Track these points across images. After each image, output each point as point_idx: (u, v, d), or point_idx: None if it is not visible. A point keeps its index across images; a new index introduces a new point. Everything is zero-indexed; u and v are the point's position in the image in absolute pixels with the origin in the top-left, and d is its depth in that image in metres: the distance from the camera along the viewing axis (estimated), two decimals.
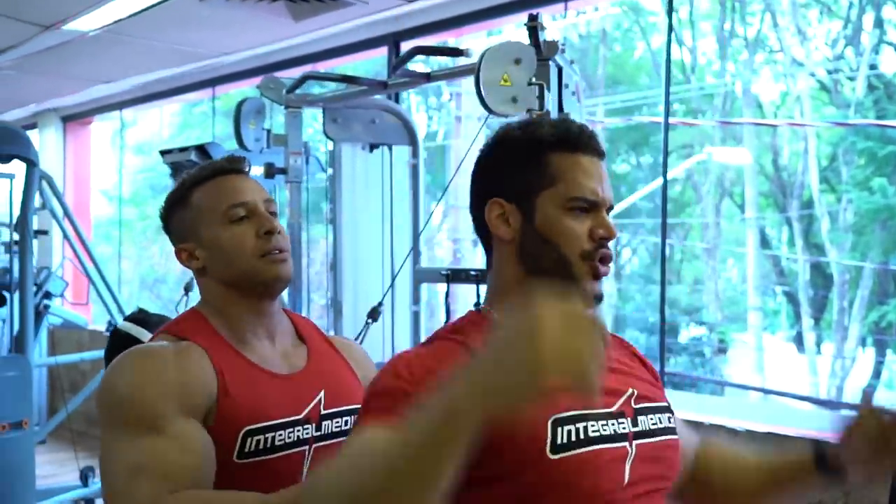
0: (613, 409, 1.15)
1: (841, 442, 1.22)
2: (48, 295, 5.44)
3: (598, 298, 1.16)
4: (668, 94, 3.85)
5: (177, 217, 1.48)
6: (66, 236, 4.89)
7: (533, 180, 1.17)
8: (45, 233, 4.87)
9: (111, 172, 10.94)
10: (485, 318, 1.19)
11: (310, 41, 4.75)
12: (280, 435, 1.34)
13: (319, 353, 1.50)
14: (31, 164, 4.35)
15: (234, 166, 1.47)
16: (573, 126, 1.21)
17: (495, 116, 2.34)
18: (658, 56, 13.71)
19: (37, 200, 4.99)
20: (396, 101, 4.60)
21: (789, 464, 1.32)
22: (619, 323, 14.20)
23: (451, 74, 2.73)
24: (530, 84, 2.31)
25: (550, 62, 2.39)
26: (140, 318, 2.18)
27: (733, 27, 14.16)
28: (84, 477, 4.92)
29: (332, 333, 1.99)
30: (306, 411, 1.39)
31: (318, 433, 1.40)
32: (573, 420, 1.08)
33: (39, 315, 5.42)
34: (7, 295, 4.43)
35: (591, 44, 14.46)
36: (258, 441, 1.32)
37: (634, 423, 1.16)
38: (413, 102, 11.59)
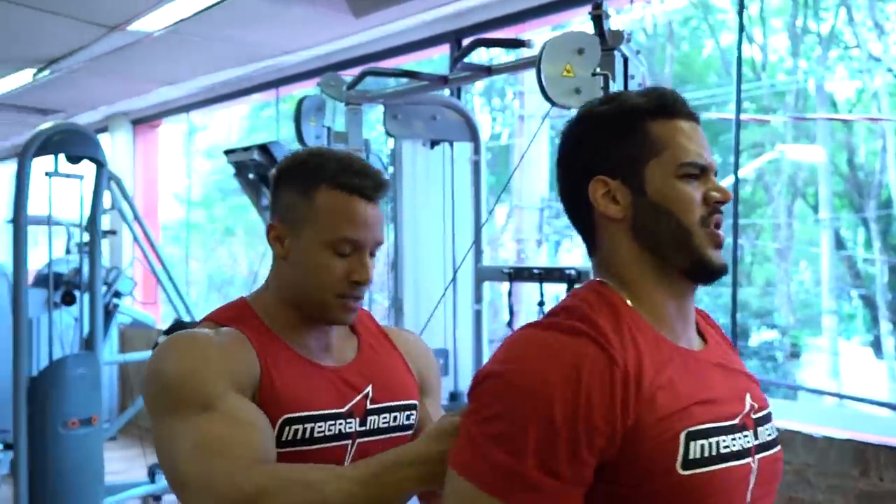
0: (737, 420, 1.05)
1: None
2: (118, 294, 5.53)
3: (723, 270, 1.08)
4: (739, 90, 3.73)
5: (292, 198, 1.35)
6: (134, 237, 4.96)
7: (636, 151, 1.09)
8: (113, 233, 4.95)
9: (181, 176, 11.14)
10: (612, 296, 1.08)
11: (371, 40, 4.73)
12: (320, 427, 1.30)
13: (371, 345, 1.44)
14: (100, 165, 4.43)
15: (373, 194, 1.34)
16: (666, 92, 1.13)
17: (557, 109, 2.27)
18: (728, 54, 13.43)
19: (106, 201, 5.10)
20: (458, 99, 4.56)
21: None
22: None
23: (513, 67, 2.67)
24: (594, 75, 2.23)
25: (615, 52, 2.32)
26: (180, 329, 2.18)
27: (805, 23, 13.77)
28: (151, 473, 4.98)
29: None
30: (350, 405, 1.34)
31: (363, 428, 1.35)
32: (707, 434, 1.00)
33: (109, 314, 5.51)
34: (77, 294, 4.51)
35: (658, 43, 14.24)
36: (297, 431, 1.27)
37: (756, 436, 1.07)
38: (476, 104, 11.54)
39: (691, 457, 0.97)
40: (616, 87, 2.33)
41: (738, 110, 3.70)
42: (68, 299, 4.51)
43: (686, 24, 14.91)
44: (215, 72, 5.55)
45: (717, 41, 14.56)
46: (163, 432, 1.22)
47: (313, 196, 1.31)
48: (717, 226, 1.09)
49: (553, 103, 2.21)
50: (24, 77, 5.65)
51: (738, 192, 3.62)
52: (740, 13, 4.36)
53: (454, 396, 3.22)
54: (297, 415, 1.28)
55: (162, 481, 4.93)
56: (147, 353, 5.48)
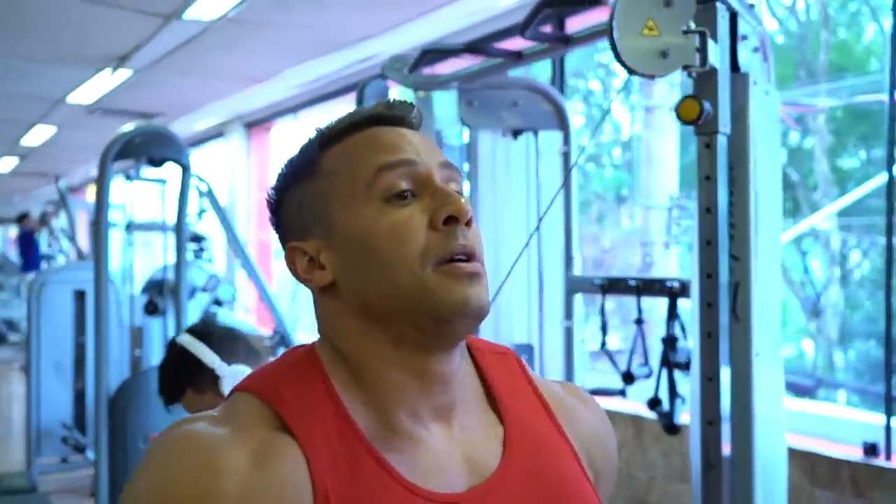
0: None
1: None
2: (218, 302, 5.36)
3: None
4: (893, 75, 3.12)
5: (295, 198, 0.85)
6: (230, 242, 4.77)
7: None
8: (201, 238, 4.77)
9: None
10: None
11: (466, 27, 4.31)
12: None
13: (525, 435, 0.84)
14: (185, 168, 4.23)
15: (400, 112, 0.85)
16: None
17: (640, 78, 1.78)
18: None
19: (200, 205, 4.94)
20: (561, 89, 4.08)
21: None
22: (847, 334, 12.75)
23: (595, 34, 2.18)
24: (686, 33, 1.72)
25: (718, 4, 1.79)
26: (203, 330, 1.86)
27: None
28: None
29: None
30: None
31: None
32: None
33: None
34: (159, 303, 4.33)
35: (812, 30, 13.17)
36: None
37: None
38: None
39: None
40: (719, 49, 1.81)
41: (892, 96, 3.08)
42: (151, 308, 4.34)
43: (843, 9, 13.74)
44: (295, 65, 5.27)
45: (881, 25, 13.32)
46: None
47: (321, 166, 0.83)
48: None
49: (631, 71, 1.72)
50: (108, 78, 5.59)
51: (893, 188, 2.98)
52: None
53: None
54: None
55: None
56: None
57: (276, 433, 0.73)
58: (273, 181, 0.86)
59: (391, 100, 0.85)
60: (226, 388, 1.78)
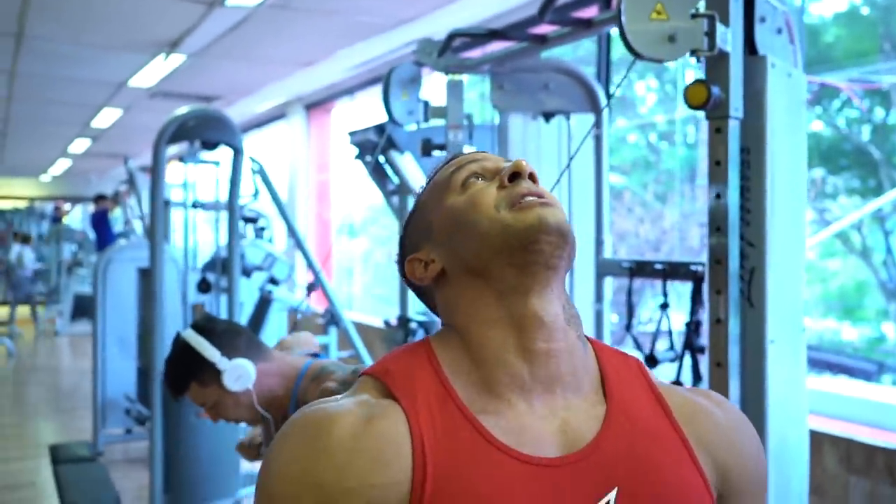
0: None
1: None
2: (274, 281, 5.48)
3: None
4: None
5: (409, 233, 1.01)
6: (287, 225, 4.86)
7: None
8: (254, 220, 4.87)
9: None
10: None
11: (515, 7, 4.30)
12: None
13: (627, 417, 0.87)
14: (237, 150, 4.32)
15: (472, 152, 1.01)
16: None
17: (648, 62, 1.77)
18: None
19: (255, 186, 5.05)
20: (607, 71, 4.04)
21: None
22: None
23: (617, 17, 2.16)
24: (694, 17, 1.71)
25: None
26: (205, 326, 1.89)
27: None
28: None
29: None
30: None
31: None
32: None
33: (266, 301, 5.50)
34: (211, 279, 4.45)
35: None
36: None
37: None
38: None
39: None
40: (730, 32, 1.78)
41: None
42: (203, 286, 4.46)
43: None
44: (339, 48, 5.30)
45: None
46: None
47: (420, 200, 1.01)
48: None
49: (638, 56, 1.71)
50: (162, 64, 5.72)
51: None
52: None
53: None
54: None
55: None
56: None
57: (382, 399, 0.84)
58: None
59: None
60: (227, 381, 1.82)
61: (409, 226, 0.98)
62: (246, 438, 2.30)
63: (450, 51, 2.75)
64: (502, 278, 0.85)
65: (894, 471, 2.66)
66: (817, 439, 2.79)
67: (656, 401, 0.89)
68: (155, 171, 4.09)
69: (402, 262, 0.98)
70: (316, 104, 7.59)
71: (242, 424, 2.24)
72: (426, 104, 2.83)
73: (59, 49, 5.47)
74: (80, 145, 11.36)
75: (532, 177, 0.88)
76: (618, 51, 4.26)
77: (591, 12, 2.45)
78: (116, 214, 10.86)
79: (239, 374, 1.88)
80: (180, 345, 1.88)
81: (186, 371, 1.89)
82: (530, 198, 0.85)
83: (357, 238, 9.22)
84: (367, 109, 7.26)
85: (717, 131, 1.78)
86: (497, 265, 0.85)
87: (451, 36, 2.56)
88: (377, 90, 7.12)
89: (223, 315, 5.03)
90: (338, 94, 7.23)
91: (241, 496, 4.27)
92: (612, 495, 0.80)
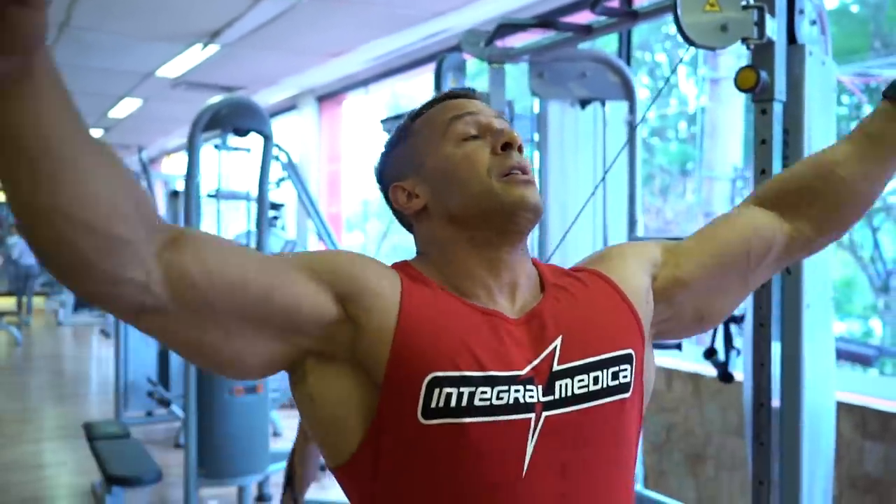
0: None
1: None
2: None
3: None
4: None
5: (394, 157, 1.16)
6: (307, 211, 5.01)
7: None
8: (279, 206, 5.01)
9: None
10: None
11: (535, 2, 4.46)
12: (484, 393, 0.96)
13: (558, 289, 1.10)
14: (267, 138, 4.47)
15: (467, 91, 1.17)
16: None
17: (704, 50, 1.94)
18: None
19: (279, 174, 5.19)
20: (627, 61, 4.21)
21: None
22: None
23: (661, 10, 2.34)
24: (745, 8, 1.88)
25: None
26: None
27: None
28: None
29: None
30: (531, 366, 1.00)
31: (549, 398, 1.00)
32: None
33: None
34: None
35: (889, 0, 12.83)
36: (450, 395, 0.95)
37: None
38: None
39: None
40: (775, 24, 1.96)
41: None
42: None
43: None
44: (372, 40, 5.45)
45: None
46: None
47: (411, 129, 1.15)
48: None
49: (693, 44, 1.88)
50: (197, 53, 5.84)
51: None
52: None
53: None
54: (450, 374, 0.96)
55: None
56: None
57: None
58: (374, 155, 1.20)
59: (459, 86, 1.20)
60: None
61: (395, 147, 1.15)
62: None
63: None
64: (479, 232, 1.05)
65: None
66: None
67: (575, 272, 1.15)
68: (191, 157, 4.23)
69: (383, 181, 1.16)
70: (328, 96, 7.72)
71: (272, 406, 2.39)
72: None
73: (99, 39, 5.58)
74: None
75: (520, 148, 1.07)
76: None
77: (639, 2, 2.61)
78: None
79: None
80: None
81: None
82: (518, 173, 1.04)
83: (353, 232, 9.36)
84: (380, 101, 7.42)
85: (763, 112, 1.96)
86: (478, 222, 1.05)
87: (500, 27, 2.73)
88: (390, 83, 7.29)
89: None
90: (351, 86, 7.36)
91: (270, 472, 4.43)
92: (557, 342, 1.03)
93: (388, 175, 1.15)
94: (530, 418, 0.97)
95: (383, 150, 1.17)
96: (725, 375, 2.47)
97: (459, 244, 1.06)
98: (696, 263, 1.16)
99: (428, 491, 0.97)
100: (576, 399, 1.01)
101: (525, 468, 0.97)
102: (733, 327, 2.50)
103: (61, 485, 4.99)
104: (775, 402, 2.00)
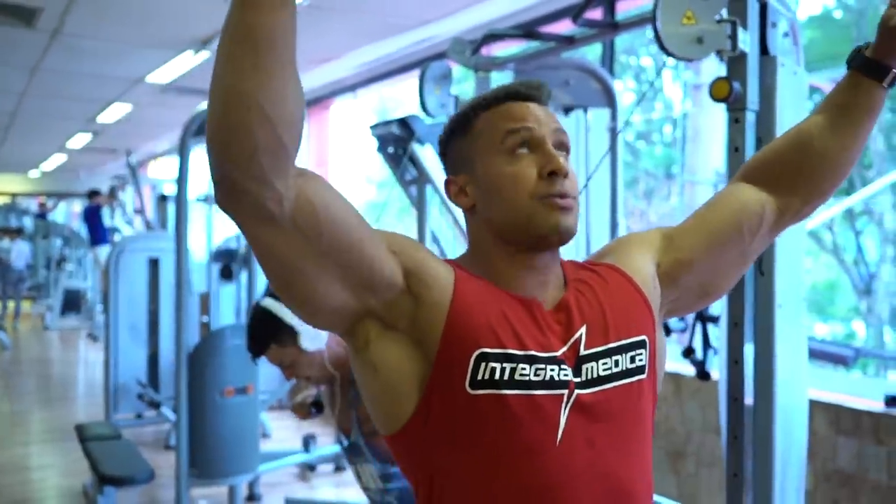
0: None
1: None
2: None
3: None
4: None
5: (456, 145, 1.25)
6: None
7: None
8: None
9: (375, 158, 11.39)
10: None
11: (519, 10, 4.55)
12: (524, 369, 1.11)
13: (579, 281, 1.24)
14: None
15: (531, 92, 1.22)
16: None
17: (680, 61, 2.03)
18: None
19: None
20: (610, 68, 4.30)
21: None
22: None
23: (641, 21, 2.43)
24: (720, 22, 1.97)
25: None
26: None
27: None
28: (306, 443, 5.09)
29: None
30: (562, 350, 1.15)
31: (578, 379, 1.14)
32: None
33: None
34: (236, 269, 4.66)
35: (871, 5, 13.01)
36: (494, 370, 1.09)
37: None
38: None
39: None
40: (748, 36, 2.05)
41: None
42: (227, 273, 4.67)
43: None
44: (362, 46, 5.52)
45: None
46: None
47: (473, 125, 1.22)
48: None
49: (671, 55, 1.97)
50: (187, 60, 5.88)
51: None
52: None
53: None
54: (496, 351, 1.10)
55: (314, 451, 5.04)
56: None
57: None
58: (442, 131, 1.28)
59: (526, 80, 1.23)
60: (304, 342, 2.11)
61: (455, 135, 1.23)
62: (299, 398, 2.55)
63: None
64: (516, 244, 1.16)
65: (879, 432, 2.95)
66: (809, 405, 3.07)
67: (593, 265, 1.26)
68: (182, 163, 4.27)
69: (445, 162, 1.26)
70: (315, 101, 7.79)
71: (261, 408, 2.48)
72: (456, 98, 3.08)
73: (91, 45, 5.62)
74: (79, 140, 11.40)
75: (567, 175, 1.15)
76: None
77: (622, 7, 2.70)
78: (110, 209, 10.99)
79: (314, 334, 2.14)
80: (261, 311, 2.13)
81: (267, 333, 2.14)
82: (557, 200, 1.13)
83: None
84: (367, 106, 7.49)
85: (736, 121, 2.05)
86: (515, 235, 1.15)
87: (486, 37, 2.81)
88: (377, 87, 7.36)
89: (244, 301, 5.23)
90: (339, 91, 7.43)
91: (260, 472, 4.48)
92: (583, 330, 1.16)
93: (447, 161, 1.26)
94: (563, 394, 1.11)
95: (446, 130, 1.26)
96: (703, 374, 2.56)
97: (498, 246, 1.18)
98: (695, 245, 1.27)
99: (474, 454, 1.09)
100: (601, 380, 1.14)
101: (559, 437, 1.09)
102: (710, 326, 2.60)
103: (50, 487, 5.03)
104: (749, 399, 2.09)
